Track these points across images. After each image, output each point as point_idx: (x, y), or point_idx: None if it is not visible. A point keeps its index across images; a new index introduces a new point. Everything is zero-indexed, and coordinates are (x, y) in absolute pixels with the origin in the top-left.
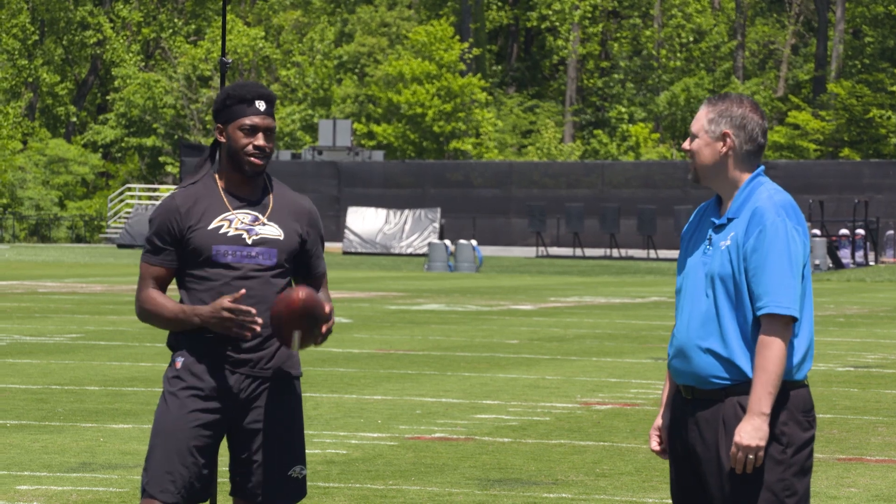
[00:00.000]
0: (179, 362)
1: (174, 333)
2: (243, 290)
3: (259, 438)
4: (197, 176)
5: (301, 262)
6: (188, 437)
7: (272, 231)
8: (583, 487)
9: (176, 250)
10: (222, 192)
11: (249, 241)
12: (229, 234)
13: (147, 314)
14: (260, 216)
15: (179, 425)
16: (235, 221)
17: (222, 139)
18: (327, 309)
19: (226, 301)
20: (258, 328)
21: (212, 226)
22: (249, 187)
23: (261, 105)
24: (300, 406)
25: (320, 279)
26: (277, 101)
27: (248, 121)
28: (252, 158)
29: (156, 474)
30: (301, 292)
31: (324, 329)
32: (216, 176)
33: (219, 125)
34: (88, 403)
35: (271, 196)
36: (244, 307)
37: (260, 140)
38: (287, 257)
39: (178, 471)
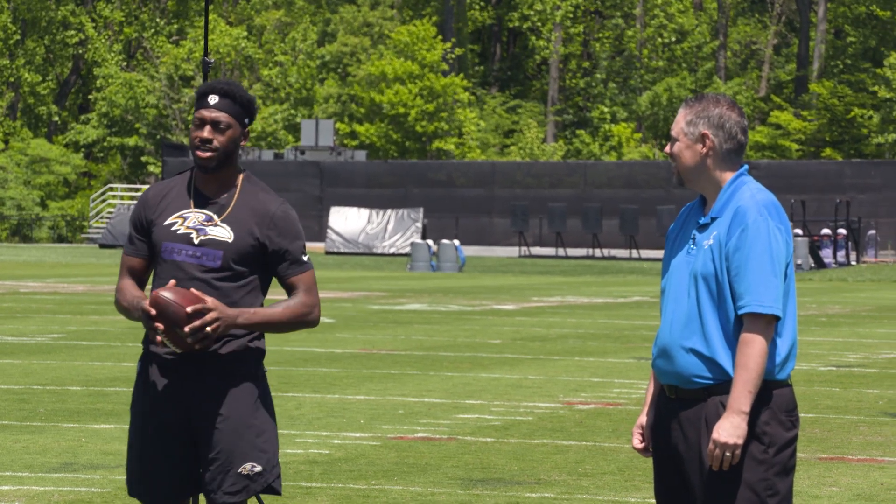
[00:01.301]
0: (139, 366)
1: (144, 336)
2: (173, 281)
3: (211, 436)
4: (185, 169)
5: (270, 268)
6: (146, 440)
7: (221, 233)
8: (565, 487)
9: (147, 241)
10: (192, 190)
11: (196, 242)
12: (179, 232)
13: (117, 303)
14: (215, 217)
15: (138, 428)
16: (189, 220)
17: None
18: (188, 309)
19: (145, 304)
20: (158, 339)
21: (167, 221)
22: (213, 185)
23: (212, 99)
24: (255, 402)
25: (293, 286)
26: (259, 101)
27: (198, 115)
28: (197, 151)
29: (129, 477)
30: (158, 291)
31: (186, 329)
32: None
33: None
34: (70, 403)
35: (236, 197)
36: (154, 316)
37: (205, 132)
38: (238, 260)
39: (144, 473)
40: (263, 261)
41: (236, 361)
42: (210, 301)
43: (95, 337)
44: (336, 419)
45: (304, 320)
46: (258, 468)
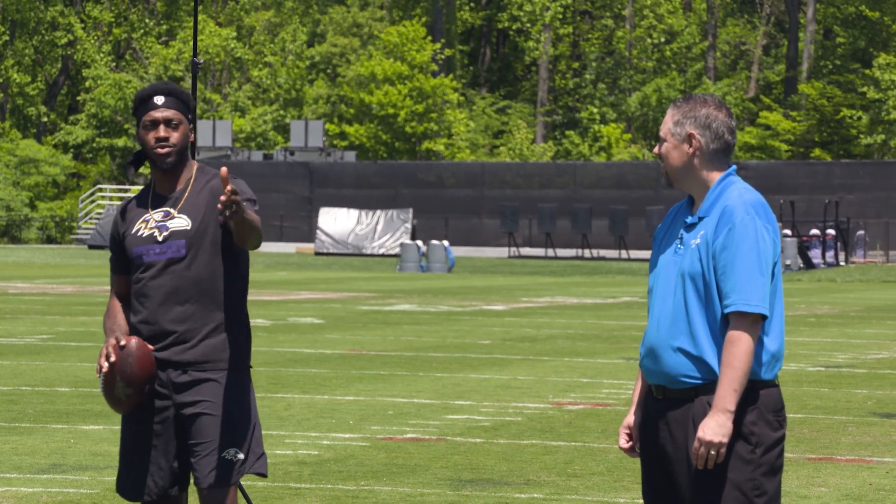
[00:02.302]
0: None
1: None
2: (122, 341)
3: (196, 425)
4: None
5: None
6: (132, 438)
7: (180, 223)
8: (554, 487)
9: (123, 256)
10: (150, 195)
11: (160, 238)
12: (144, 235)
13: (104, 321)
14: (171, 210)
15: (125, 427)
16: (150, 221)
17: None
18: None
19: (111, 343)
20: (99, 371)
21: (133, 230)
22: (170, 183)
23: (158, 99)
24: (238, 395)
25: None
26: (248, 102)
27: (147, 117)
28: (157, 150)
29: (118, 476)
30: (129, 344)
31: (222, 199)
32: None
33: (138, 132)
34: (59, 405)
35: (190, 186)
36: (107, 353)
37: (160, 132)
38: (201, 245)
39: (133, 471)
40: (222, 237)
41: (218, 352)
42: (231, 187)
43: (84, 338)
44: (325, 420)
45: (259, 232)
46: (241, 455)
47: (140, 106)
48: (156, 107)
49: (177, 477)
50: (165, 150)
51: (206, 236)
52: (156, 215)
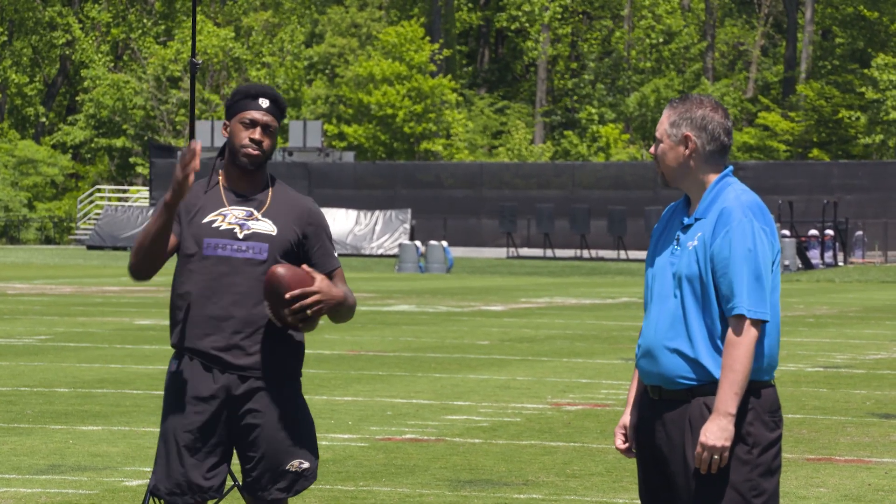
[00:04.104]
0: (174, 365)
1: (174, 335)
2: (197, 142)
3: (257, 434)
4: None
5: (306, 262)
6: (186, 440)
7: (265, 226)
8: (553, 488)
9: (179, 227)
10: (222, 189)
11: (240, 236)
12: (221, 228)
13: (137, 245)
14: (255, 212)
15: (178, 429)
16: (229, 216)
17: (226, 135)
18: (295, 291)
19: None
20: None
21: (207, 219)
22: (248, 183)
23: (263, 102)
24: (297, 403)
25: (331, 278)
26: None
27: (247, 115)
28: (247, 150)
29: (162, 477)
30: (275, 267)
31: (290, 308)
32: (221, 172)
33: (225, 122)
34: (58, 405)
35: (270, 193)
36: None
37: (256, 133)
38: (281, 253)
39: (181, 473)
40: (297, 254)
41: (280, 359)
42: (317, 282)
43: (83, 339)
44: (324, 421)
45: (351, 308)
46: (306, 464)
47: (242, 101)
48: (260, 108)
49: (221, 486)
50: (257, 152)
51: (284, 246)
52: (236, 212)
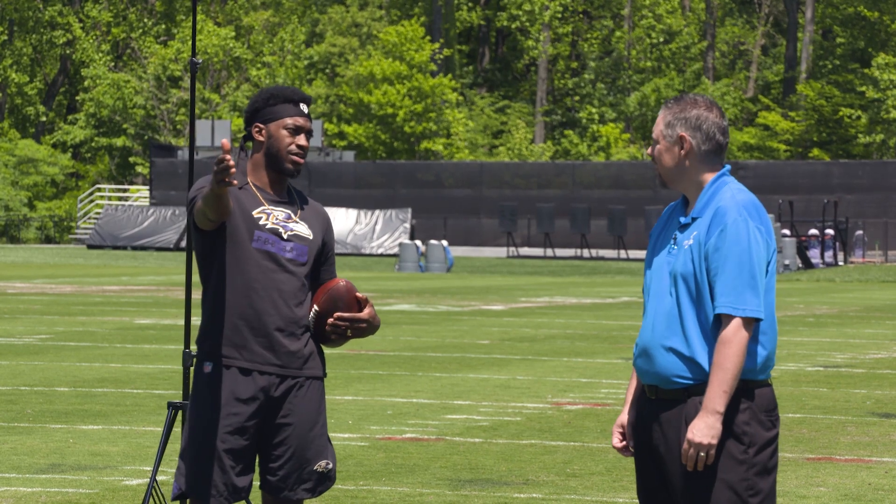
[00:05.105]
0: (209, 367)
1: (203, 336)
2: (225, 141)
3: (287, 435)
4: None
5: (317, 266)
6: (226, 443)
7: (303, 230)
8: (553, 487)
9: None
10: (255, 189)
11: (285, 236)
12: (268, 226)
13: (202, 203)
14: (292, 214)
15: (215, 431)
16: (272, 216)
17: (261, 138)
18: (345, 315)
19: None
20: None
21: (254, 213)
22: (280, 186)
23: (304, 108)
24: (323, 404)
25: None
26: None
27: (292, 121)
28: (295, 157)
29: (195, 480)
30: (342, 281)
31: (331, 318)
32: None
33: (258, 124)
34: (58, 404)
35: (298, 199)
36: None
37: (302, 140)
38: (313, 256)
39: (216, 475)
40: (318, 260)
41: (311, 362)
42: (367, 311)
43: (83, 338)
44: None
45: (375, 327)
46: (331, 465)
47: (282, 105)
48: (303, 115)
49: (249, 486)
50: (301, 160)
51: (315, 251)
52: (277, 212)
